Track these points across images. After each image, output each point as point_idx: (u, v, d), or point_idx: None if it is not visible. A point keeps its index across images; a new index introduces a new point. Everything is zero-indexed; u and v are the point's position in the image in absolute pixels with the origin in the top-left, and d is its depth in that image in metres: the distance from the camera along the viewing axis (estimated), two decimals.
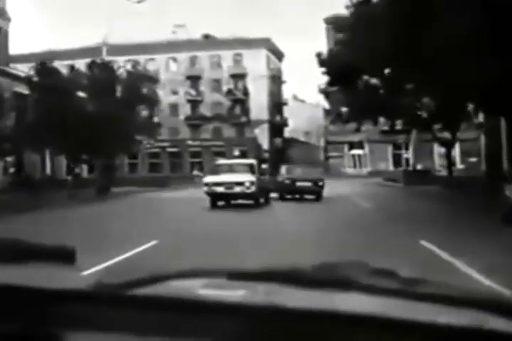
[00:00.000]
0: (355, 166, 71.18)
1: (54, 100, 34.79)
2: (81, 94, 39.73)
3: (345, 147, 72.25)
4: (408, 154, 70.53)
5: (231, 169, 25.59)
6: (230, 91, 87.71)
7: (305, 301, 1.10)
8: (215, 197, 24.43)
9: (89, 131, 34.17)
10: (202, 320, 1.08)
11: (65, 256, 1.49)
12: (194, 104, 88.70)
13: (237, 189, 23.67)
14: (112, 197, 37.72)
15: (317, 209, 25.11)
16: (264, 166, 72.26)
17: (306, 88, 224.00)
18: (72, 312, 1.13)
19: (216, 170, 26.72)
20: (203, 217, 22.11)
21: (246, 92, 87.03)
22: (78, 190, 36.59)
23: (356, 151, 70.79)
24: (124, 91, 41.16)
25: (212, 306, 1.10)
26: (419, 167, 66.16)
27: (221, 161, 30.79)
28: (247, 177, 24.04)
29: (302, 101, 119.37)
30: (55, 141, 35.66)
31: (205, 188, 24.30)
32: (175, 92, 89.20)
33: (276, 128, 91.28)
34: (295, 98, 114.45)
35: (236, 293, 1.22)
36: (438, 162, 69.47)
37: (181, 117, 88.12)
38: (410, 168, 63.30)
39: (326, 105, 56.06)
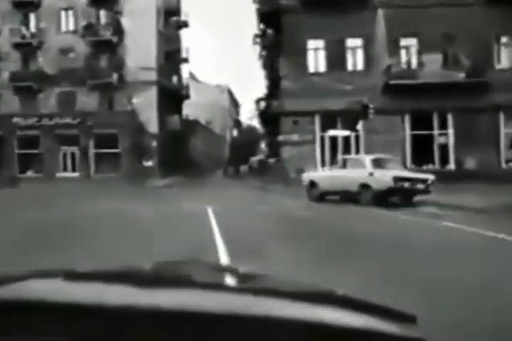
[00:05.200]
0: (332, 161, 38.04)
1: None
2: None
3: (317, 123, 39.71)
4: (447, 137, 38.83)
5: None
6: (90, 28, 54.50)
7: (144, 300, 1.19)
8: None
9: None
10: (38, 321, 1.14)
11: None
12: (27, 51, 55.73)
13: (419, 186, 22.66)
14: None
15: None
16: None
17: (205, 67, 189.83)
18: None
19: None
20: None
21: (119, 30, 54.30)
22: None
23: (339, 132, 38.02)
24: None
25: (47, 307, 1.17)
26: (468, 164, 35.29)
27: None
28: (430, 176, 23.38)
29: (199, 82, 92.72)
30: None
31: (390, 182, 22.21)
32: None
33: (171, 98, 59.07)
34: (192, 77, 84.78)
35: (73, 294, 1.23)
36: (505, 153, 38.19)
37: (4, 76, 55.26)
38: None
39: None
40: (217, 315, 1.14)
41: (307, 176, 26.30)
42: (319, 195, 24.88)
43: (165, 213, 19.38)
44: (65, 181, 47.65)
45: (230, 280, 1.43)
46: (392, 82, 38.08)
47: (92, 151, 52.53)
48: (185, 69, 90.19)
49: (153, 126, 53.49)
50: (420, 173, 24.37)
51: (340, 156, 26.67)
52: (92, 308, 1.14)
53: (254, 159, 64.32)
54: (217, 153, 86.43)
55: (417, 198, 22.94)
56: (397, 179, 22.20)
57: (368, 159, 23.93)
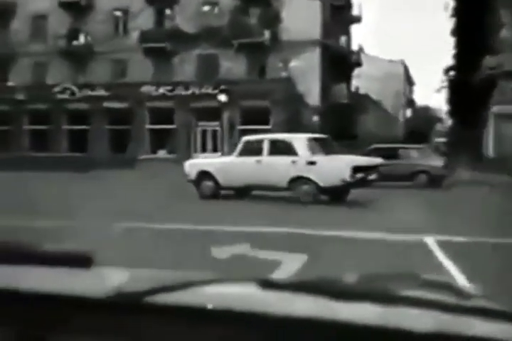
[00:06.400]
0: None
1: None
2: None
3: None
4: None
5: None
6: None
7: (346, 315, 1.13)
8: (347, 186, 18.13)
9: None
10: (227, 331, 1.14)
11: (80, 262, 1.49)
12: (162, 6, 49.35)
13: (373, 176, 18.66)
14: None
15: None
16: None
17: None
18: (88, 321, 1.20)
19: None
20: None
21: None
22: None
23: None
24: None
25: (239, 316, 1.15)
26: None
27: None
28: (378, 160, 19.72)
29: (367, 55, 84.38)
30: None
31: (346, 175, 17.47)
32: None
33: (337, 63, 49.44)
34: (361, 51, 77.11)
35: (267, 303, 1.20)
36: None
37: (133, 36, 48.96)
38: None
39: None
40: (422, 336, 1.05)
41: (194, 165, 20.09)
42: (215, 190, 19.22)
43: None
44: None
45: (442, 298, 1.21)
46: None
47: (237, 127, 43.18)
48: (356, 31, 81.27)
49: (314, 97, 44.72)
50: (369, 158, 20.41)
51: (245, 137, 19.89)
52: (284, 319, 1.10)
53: (439, 140, 54.93)
54: (388, 134, 75.84)
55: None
56: (357, 169, 17.70)
57: (300, 141, 18.59)
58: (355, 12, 56.14)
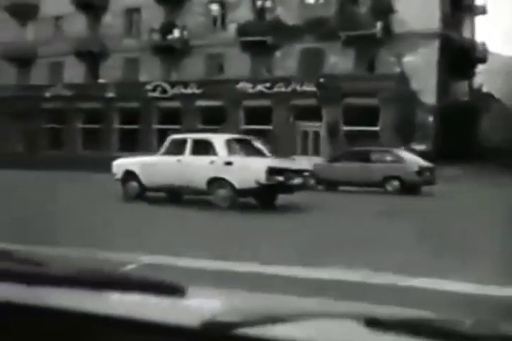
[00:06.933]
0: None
1: None
2: None
3: None
4: None
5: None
6: None
7: None
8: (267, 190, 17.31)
9: None
10: None
11: (172, 290, 1.46)
12: None
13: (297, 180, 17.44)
14: None
15: None
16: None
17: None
18: None
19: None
20: None
21: None
22: None
23: None
24: None
25: None
26: None
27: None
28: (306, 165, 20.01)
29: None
30: None
31: (261, 176, 16.83)
32: None
33: (458, 58, 43.80)
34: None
35: None
36: None
37: (231, 29, 45.73)
38: None
39: None
40: None
41: (121, 164, 19.27)
42: (139, 191, 18.34)
43: None
44: None
45: None
46: None
47: (341, 128, 39.01)
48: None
49: (430, 96, 39.48)
50: (295, 161, 21.19)
51: (171, 136, 19.10)
52: None
53: None
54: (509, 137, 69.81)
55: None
56: (273, 171, 16.56)
57: (220, 140, 17.88)
58: (479, 2, 50.16)
